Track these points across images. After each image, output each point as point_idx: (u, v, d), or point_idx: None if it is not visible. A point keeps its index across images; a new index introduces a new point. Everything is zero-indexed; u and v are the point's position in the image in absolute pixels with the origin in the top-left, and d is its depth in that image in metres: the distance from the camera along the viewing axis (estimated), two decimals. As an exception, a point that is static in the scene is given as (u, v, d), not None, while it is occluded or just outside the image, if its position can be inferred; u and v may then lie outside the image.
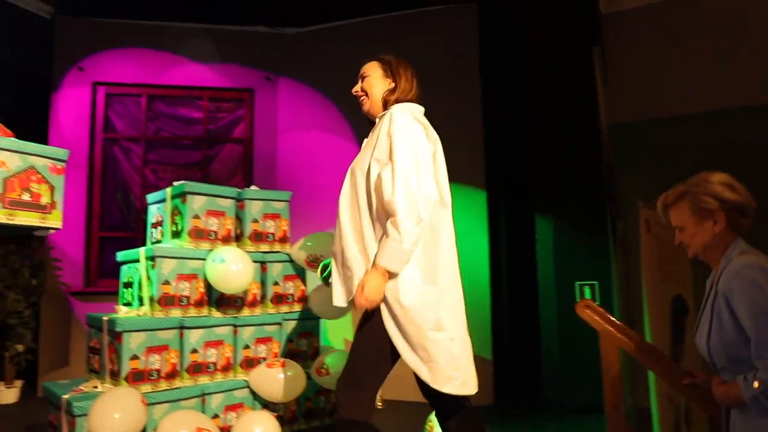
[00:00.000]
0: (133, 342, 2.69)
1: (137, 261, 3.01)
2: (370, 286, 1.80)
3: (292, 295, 3.31)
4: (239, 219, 3.19)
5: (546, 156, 3.97)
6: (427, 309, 1.83)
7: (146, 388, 2.70)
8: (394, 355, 1.87)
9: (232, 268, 2.82)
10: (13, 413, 3.76)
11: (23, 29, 4.44)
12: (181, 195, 3.01)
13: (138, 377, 2.70)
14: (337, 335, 4.29)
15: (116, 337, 2.70)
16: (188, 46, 4.63)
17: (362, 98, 2.14)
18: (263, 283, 3.21)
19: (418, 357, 1.82)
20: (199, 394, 2.86)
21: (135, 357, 2.70)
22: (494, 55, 4.26)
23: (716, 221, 1.62)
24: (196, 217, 2.99)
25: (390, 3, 4.41)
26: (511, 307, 4.10)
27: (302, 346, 3.30)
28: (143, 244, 3.24)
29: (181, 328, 2.86)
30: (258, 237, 3.19)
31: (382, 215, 1.87)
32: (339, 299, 1.96)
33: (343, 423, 1.85)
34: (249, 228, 3.17)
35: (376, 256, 1.82)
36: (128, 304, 3.06)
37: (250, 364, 3.08)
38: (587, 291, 3.62)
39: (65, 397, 2.74)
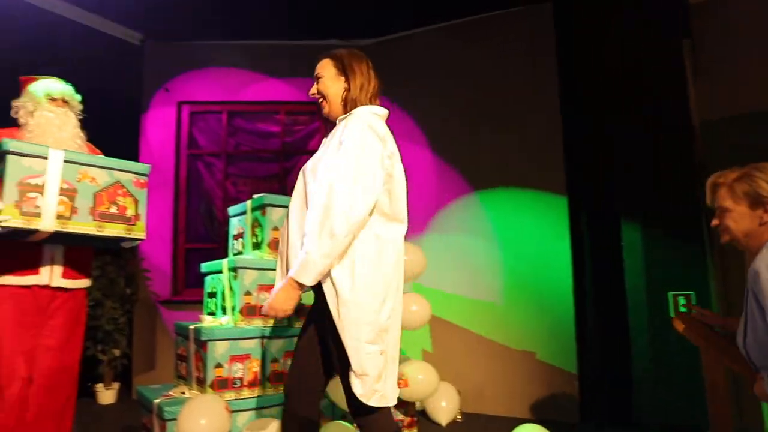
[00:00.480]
0: (217, 351, 2.78)
1: (220, 272, 3.12)
2: (279, 296, 1.75)
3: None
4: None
5: (632, 158, 3.75)
6: (365, 322, 1.74)
7: (230, 395, 2.77)
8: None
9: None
10: (111, 413, 4.00)
11: (116, 56, 4.76)
12: (261, 207, 3.08)
13: (222, 385, 2.78)
14: (414, 345, 4.25)
15: (202, 345, 2.80)
16: (264, 63, 4.79)
17: (320, 101, 1.99)
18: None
19: (352, 369, 1.74)
20: (279, 402, 2.89)
21: (219, 365, 2.78)
22: (572, 54, 4.10)
23: (767, 211, 1.63)
24: (276, 228, 3.05)
25: (460, 9, 4.35)
26: (597, 319, 3.89)
27: (380, 356, 3.28)
28: (225, 255, 3.34)
29: (262, 337, 2.92)
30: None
31: None
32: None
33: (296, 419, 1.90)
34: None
35: (292, 270, 1.75)
36: (212, 314, 3.16)
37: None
38: (681, 301, 3.38)
39: (156, 401, 2.87)
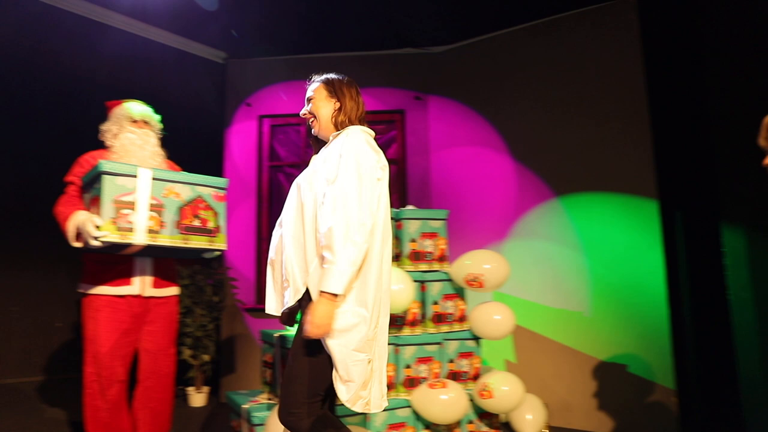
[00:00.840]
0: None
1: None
2: (319, 313, 1.78)
3: (452, 314, 3.25)
4: (397, 239, 3.22)
5: (732, 157, 3.48)
6: (355, 331, 1.83)
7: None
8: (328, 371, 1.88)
9: (393, 287, 2.85)
10: (202, 416, 4.17)
11: (201, 74, 5.01)
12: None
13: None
14: (497, 355, 4.15)
15: (287, 353, 2.85)
16: (341, 74, 4.86)
17: (312, 121, 2.14)
18: (423, 303, 3.20)
19: (338, 375, 1.83)
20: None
21: (305, 373, 2.82)
22: (660, 49, 3.88)
23: None
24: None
25: (532, 12, 4.24)
26: (696, 331, 3.64)
27: (463, 366, 3.23)
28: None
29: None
30: (416, 256, 3.20)
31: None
32: (272, 308, 2.04)
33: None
34: (407, 247, 3.19)
35: (320, 285, 1.80)
36: (297, 322, 3.22)
37: (411, 383, 3.08)
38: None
39: (245, 406, 2.96)
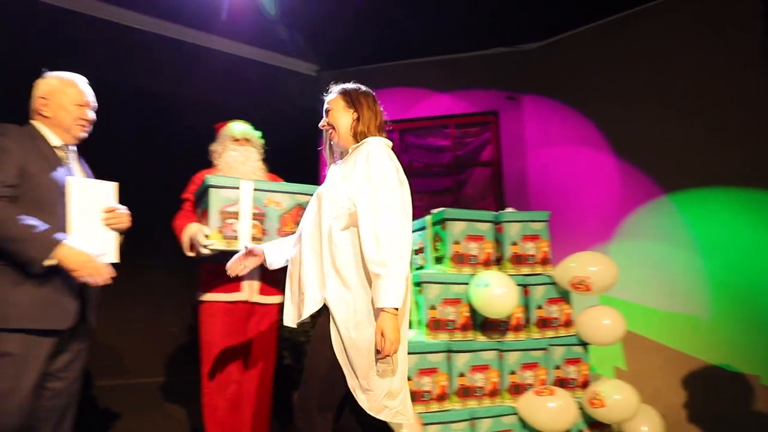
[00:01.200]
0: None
1: (404, 286, 3.20)
2: (388, 330, 1.79)
3: (557, 319, 3.14)
4: (498, 242, 3.17)
5: None
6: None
7: (419, 408, 2.81)
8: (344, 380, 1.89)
9: (496, 292, 2.80)
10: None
11: (293, 87, 5.21)
12: (441, 221, 3.11)
13: (412, 397, 2.82)
14: (605, 362, 3.95)
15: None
16: (432, 79, 4.88)
17: (330, 132, 2.13)
18: (527, 307, 3.12)
19: (358, 383, 1.86)
20: (468, 417, 2.87)
21: (408, 378, 2.84)
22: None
23: None
24: (457, 242, 3.06)
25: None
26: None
27: (570, 373, 3.10)
28: (407, 269, 3.43)
29: (449, 351, 2.92)
30: (518, 259, 3.13)
31: (341, 250, 1.91)
32: (289, 320, 2.06)
33: None
34: (509, 251, 3.12)
35: (375, 302, 1.83)
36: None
37: (517, 390, 3.00)
38: None
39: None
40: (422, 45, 4.76)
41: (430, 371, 2.86)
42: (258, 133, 3.07)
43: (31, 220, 1.83)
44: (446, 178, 4.87)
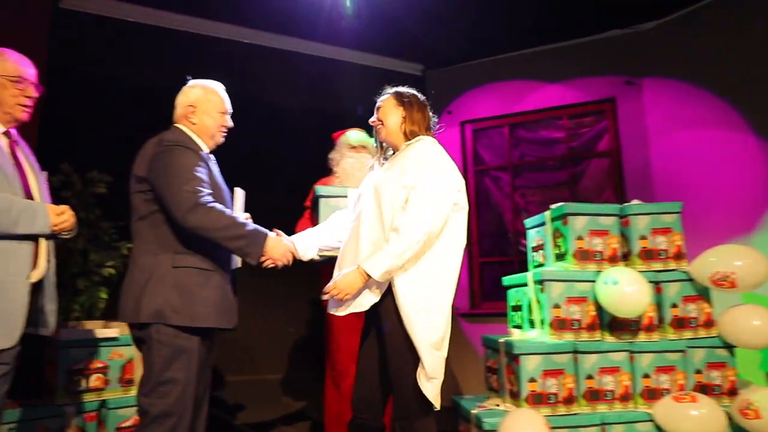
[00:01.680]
0: (530, 364, 2.75)
1: (523, 285, 3.10)
2: (347, 280, 1.97)
3: (696, 318, 2.88)
4: (624, 237, 2.97)
5: None
6: (445, 333, 2.05)
7: (545, 411, 2.71)
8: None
9: (626, 289, 2.63)
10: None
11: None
12: (562, 217, 2.98)
13: (537, 400, 2.73)
14: (752, 367, 3.56)
15: (513, 359, 2.80)
16: (541, 69, 4.70)
17: (379, 127, 2.22)
18: (659, 306, 2.90)
19: (425, 372, 1.94)
20: (598, 422, 2.72)
21: (533, 380, 2.74)
22: None
23: None
24: (579, 238, 2.91)
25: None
26: None
27: (714, 379, 2.83)
28: (520, 267, 3.32)
29: (575, 352, 2.79)
30: (648, 255, 2.91)
31: None
32: (336, 308, 2.09)
33: None
34: (637, 245, 2.92)
35: (365, 259, 1.98)
36: (518, 327, 3.15)
37: (652, 395, 2.80)
38: None
39: (474, 411, 2.97)
40: (530, 35, 4.60)
41: (556, 373, 2.75)
42: (373, 140, 3.12)
43: (240, 219, 2.02)
44: (560, 171, 4.66)
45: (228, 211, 2.00)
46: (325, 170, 3.28)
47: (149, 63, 4.31)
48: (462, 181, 2.12)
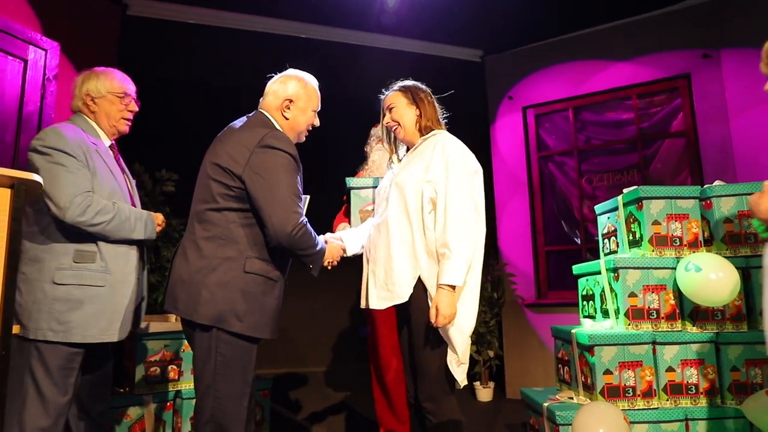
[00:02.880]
0: (605, 356, 2.62)
1: (595, 273, 2.96)
2: (443, 305, 1.96)
3: (791, 307, 2.66)
4: (706, 220, 2.78)
5: None
6: (473, 319, 2.09)
7: (623, 404, 2.58)
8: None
9: (711, 277, 2.45)
10: (490, 410, 4.23)
11: (460, 76, 5.13)
12: (636, 201, 2.82)
13: (613, 393, 2.60)
14: None
15: (587, 350, 2.68)
16: (606, 48, 4.48)
17: (395, 128, 2.23)
18: (748, 294, 2.69)
19: (456, 357, 2.03)
20: (681, 418, 2.56)
21: (608, 372, 2.62)
22: None
23: None
24: (656, 222, 2.74)
25: None
26: None
27: (814, 373, 2.61)
28: (587, 255, 3.16)
29: (654, 343, 2.64)
30: (734, 239, 2.71)
31: (432, 233, 2.06)
32: (376, 303, 2.11)
33: (450, 424, 2.03)
34: (721, 229, 2.72)
35: (439, 279, 1.99)
36: (590, 317, 3.02)
37: (741, 389, 2.61)
38: None
39: (545, 404, 2.87)
40: (594, 12, 4.39)
41: (633, 365, 2.61)
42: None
43: (319, 239, 2.02)
44: (630, 154, 4.43)
45: (313, 233, 1.97)
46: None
47: (213, 64, 4.43)
48: (479, 168, 2.17)
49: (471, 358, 4.45)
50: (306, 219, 1.92)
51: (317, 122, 2.15)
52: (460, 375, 2.05)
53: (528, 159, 4.78)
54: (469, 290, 2.07)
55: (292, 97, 2.04)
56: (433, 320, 1.97)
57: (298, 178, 1.94)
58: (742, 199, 2.74)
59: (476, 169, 2.14)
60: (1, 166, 2.23)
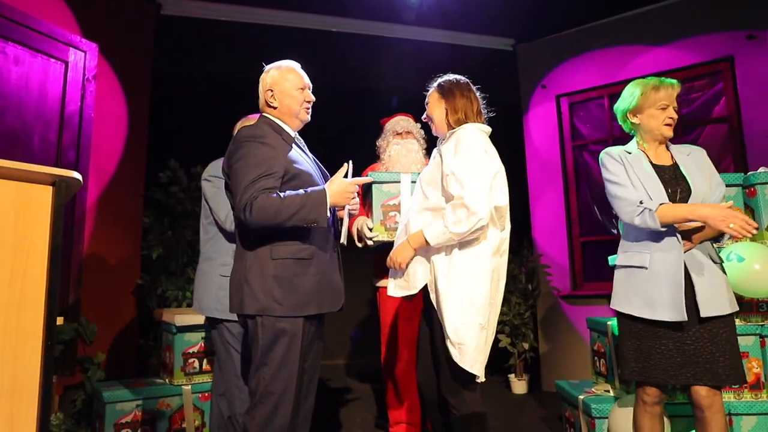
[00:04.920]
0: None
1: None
2: (398, 250, 2.09)
3: (841, 299, 2.56)
4: (750, 208, 2.68)
5: None
6: (483, 308, 2.00)
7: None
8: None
9: (755, 267, 2.37)
10: (525, 402, 4.19)
11: (492, 65, 5.06)
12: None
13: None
14: None
15: (624, 342, 2.63)
16: (642, 32, 4.34)
17: (430, 123, 2.26)
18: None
19: (450, 339, 1.98)
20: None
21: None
22: None
23: None
24: None
25: None
26: None
27: None
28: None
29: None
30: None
31: None
32: (393, 290, 2.16)
33: (473, 417, 2.02)
34: (766, 218, 2.62)
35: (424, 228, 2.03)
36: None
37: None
38: None
39: (581, 397, 2.83)
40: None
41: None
42: (418, 125, 3.13)
43: (292, 192, 1.95)
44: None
45: (275, 195, 1.91)
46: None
47: (246, 59, 4.47)
48: (500, 167, 2.11)
49: (505, 350, 4.44)
50: (269, 188, 1.89)
51: (311, 97, 2.18)
52: (478, 369, 1.97)
53: (562, 148, 4.68)
54: (472, 270, 2.00)
55: (270, 86, 2.12)
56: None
57: (267, 150, 1.96)
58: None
59: (486, 150, 2.08)
60: (44, 164, 2.32)
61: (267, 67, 2.19)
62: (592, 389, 2.94)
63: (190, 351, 3.14)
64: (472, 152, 2.01)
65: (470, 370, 1.95)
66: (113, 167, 3.84)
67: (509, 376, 4.54)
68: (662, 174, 2.14)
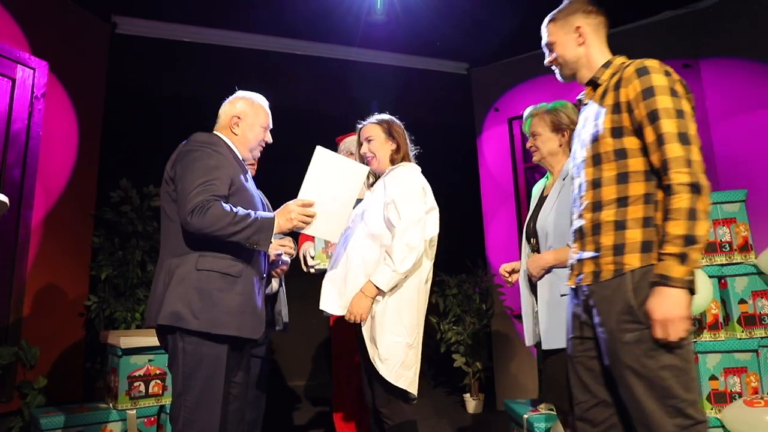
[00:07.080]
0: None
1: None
2: (355, 302, 2.15)
3: None
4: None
5: None
6: (411, 327, 2.20)
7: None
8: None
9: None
10: (478, 422, 4.21)
11: (446, 89, 5.18)
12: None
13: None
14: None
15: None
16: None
17: (371, 159, 2.37)
18: (725, 302, 2.71)
19: (377, 352, 2.13)
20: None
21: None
22: None
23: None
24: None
25: None
26: None
27: (793, 381, 2.62)
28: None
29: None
30: (710, 247, 2.73)
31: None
32: (335, 309, 2.23)
33: (405, 425, 2.16)
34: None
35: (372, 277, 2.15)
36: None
37: (720, 398, 2.61)
38: None
39: (526, 416, 2.88)
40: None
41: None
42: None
43: (242, 211, 1.88)
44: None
45: (230, 208, 1.87)
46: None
47: (200, 80, 4.48)
48: (433, 203, 2.32)
49: (460, 369, 4.47)
50: (218, 198, 1.85)
51: (269, 139, 2.21)
52: (404, 383, 2.13)
53: (515, 170, 4.80)
54: (405, 298, 2.18)
55: (240, 114, 2.13)
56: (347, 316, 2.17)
57: (221, 158, 1.95)
58: (716, 207, 2.76)
59: (424, 187, 2.28)
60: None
61: (239, 94, 2.21)
62: (538, 408, 2.99)
63: (136, 374, 3.07)
64: (412, 187, 2.22)
65: (396, 384, 2.11)
66: (62, 186, 3.77)
67: (464, 395, 4.57)
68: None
